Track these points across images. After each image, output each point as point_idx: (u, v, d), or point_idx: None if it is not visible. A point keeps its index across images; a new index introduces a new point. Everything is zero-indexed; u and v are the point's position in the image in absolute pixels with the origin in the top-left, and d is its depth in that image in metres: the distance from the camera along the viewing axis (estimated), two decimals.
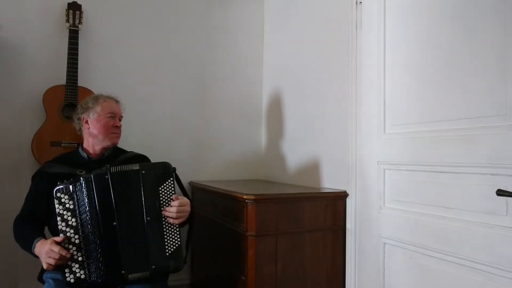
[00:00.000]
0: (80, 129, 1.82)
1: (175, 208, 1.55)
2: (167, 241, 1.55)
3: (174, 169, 1.62)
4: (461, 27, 1.49)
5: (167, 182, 1.59)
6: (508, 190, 1.27)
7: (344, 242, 2.03)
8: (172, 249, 1.55)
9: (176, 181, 1.66)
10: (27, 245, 1.54)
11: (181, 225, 1.60)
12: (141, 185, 1.56)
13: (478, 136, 1.41)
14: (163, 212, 1.56)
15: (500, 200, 1.32)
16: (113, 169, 1.56)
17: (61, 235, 1.49)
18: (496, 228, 1.33)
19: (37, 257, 1.51)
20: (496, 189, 1.27)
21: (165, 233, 1.56)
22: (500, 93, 1.34)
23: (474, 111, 1.43)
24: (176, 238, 1.57)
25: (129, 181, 1.56)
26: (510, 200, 1.29)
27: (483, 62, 1.41)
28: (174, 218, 1.55)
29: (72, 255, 1.48)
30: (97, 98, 1.81)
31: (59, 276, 1.54)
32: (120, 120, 1.84)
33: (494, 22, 1.37)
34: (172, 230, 1.57)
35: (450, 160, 1.51)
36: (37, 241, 1.51)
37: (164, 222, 1.56)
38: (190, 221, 1.67)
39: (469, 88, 1.46)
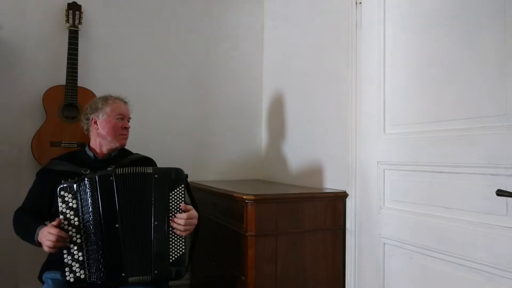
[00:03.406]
0: (88, 129, 1.81)
1: (183, 220, 1.54)
2: (172, 247, 1.55)
3: (187, 175, 1.62)
4: (461, 27, 1.49)
5: (178, 188, 1.58)
6: (508, 190, 1.27)
7: (344, 242, 2.03)
8: (176, 256, 1.55)
9: (186, 189, 1.65)
10: (29, 235, 1.53)
11: None
12: (153, 189, 1.56)
13: (478, 136, 1.41)
14: (171, 223, 1.56)
15: (500, 200, 1.32)
16: (118, 171, 1.56)
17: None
18: (496, 228, 1.33)
19: (40, 245, 1.48)
20: (496, 189, 1.27)
21: (171, 239, 1.55)
22: (500, 93, 1.34)
23: (474, 111, 1.43)
24: (181, 245, 1.56)
25: (139, 184, 1.56)
26: (510, 200, 1.29)
27: (483, 62, 1.41)
28: (181, 231, 1.55)
29: (71, 237, 1.47)
30: (106, 99, 1.81)
31: (58, 276, 1.55)
32: (128, 121, 1.85)
33: (494, 22, 1.37)
34: (178, 236, 1.56)
35: (450, 160, 1.51)
36: (40, 229, 1.50)
37: (171, 228, 1.56)
38: (195, 233, 1.67)
39: (469, 88, 1.45)
